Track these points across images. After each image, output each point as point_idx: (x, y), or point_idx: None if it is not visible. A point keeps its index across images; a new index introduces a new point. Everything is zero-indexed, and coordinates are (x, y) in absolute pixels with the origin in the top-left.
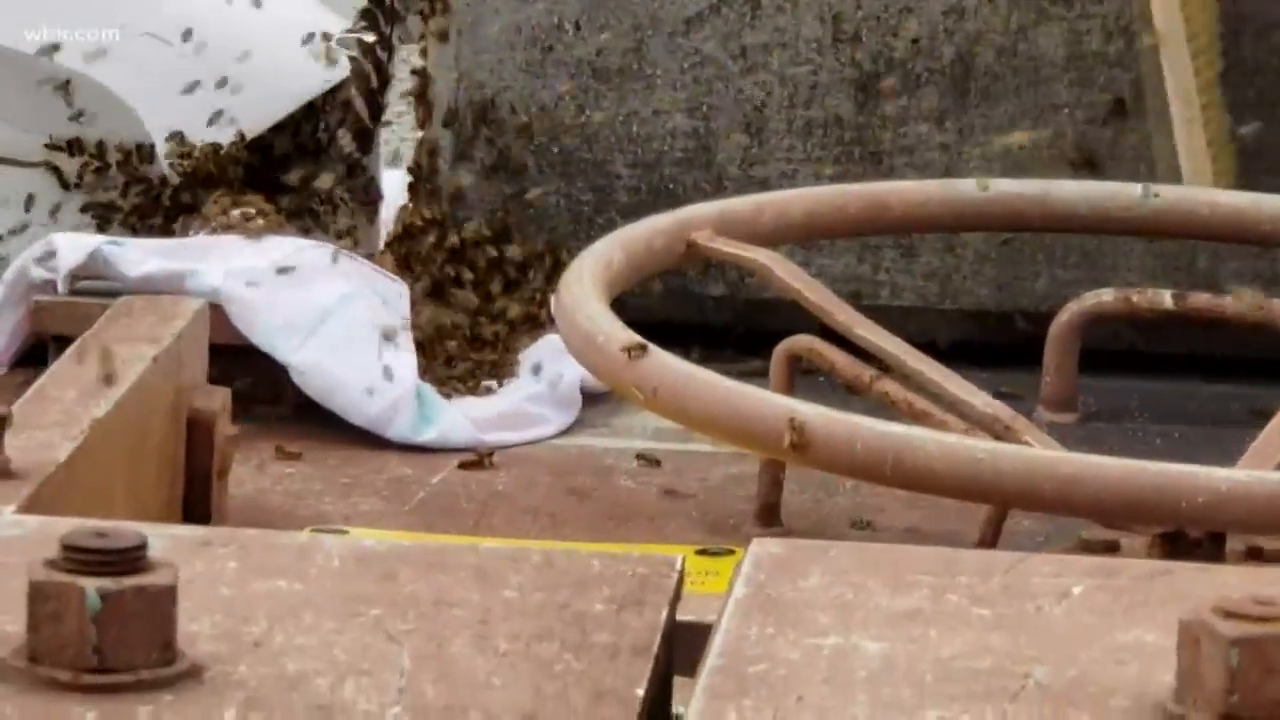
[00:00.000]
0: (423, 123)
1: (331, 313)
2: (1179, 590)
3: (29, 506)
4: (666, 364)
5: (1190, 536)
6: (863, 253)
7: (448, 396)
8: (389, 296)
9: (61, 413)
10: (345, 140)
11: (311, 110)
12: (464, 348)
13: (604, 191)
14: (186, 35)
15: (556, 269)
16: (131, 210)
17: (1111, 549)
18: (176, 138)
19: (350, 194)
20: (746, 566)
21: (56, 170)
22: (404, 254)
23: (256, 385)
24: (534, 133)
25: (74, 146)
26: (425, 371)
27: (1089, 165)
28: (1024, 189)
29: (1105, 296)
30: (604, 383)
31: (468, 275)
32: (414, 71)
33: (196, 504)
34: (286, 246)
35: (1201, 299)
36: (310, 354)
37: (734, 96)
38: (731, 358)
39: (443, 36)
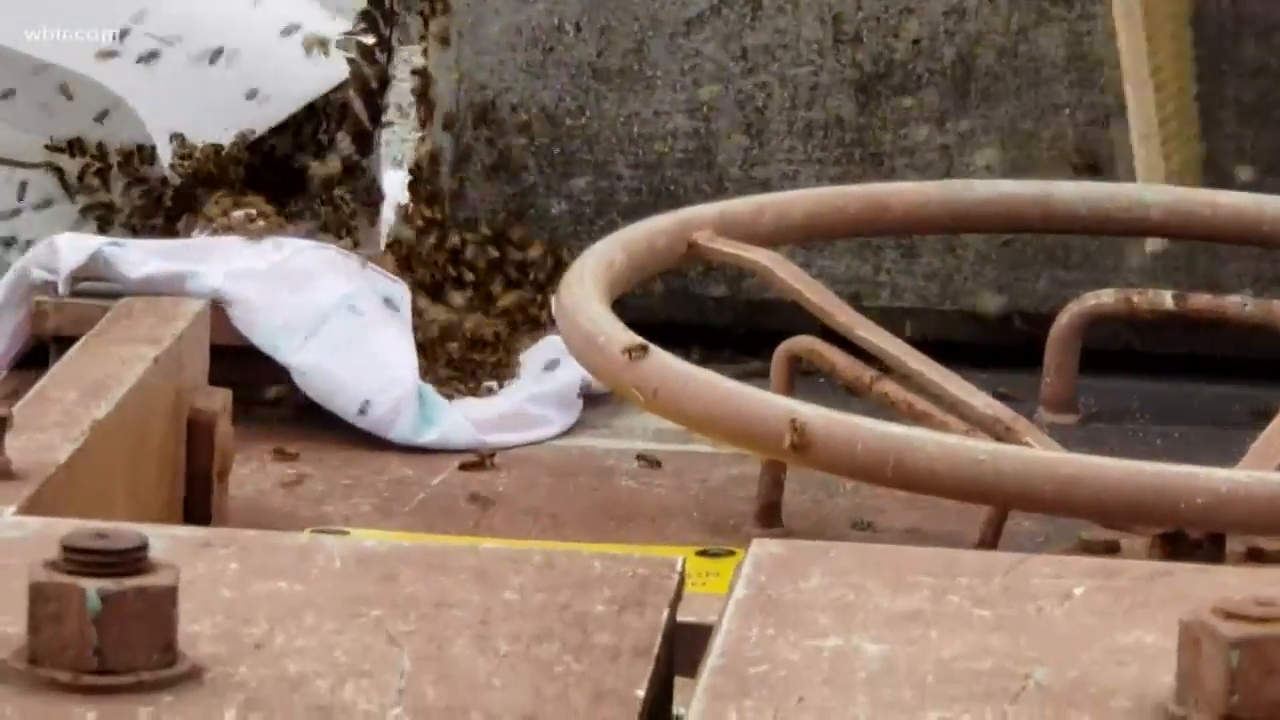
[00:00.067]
0: (423, 124)
1: (332, 314)
2: (1179, 591)
3: (29, 508)
4: (667, 365)
5: (1190, 537)
6: (863, 254)
7: (449, 397)
8: (390, 297)
9: (62, 414)
10: (344, 142)
11: (312, 111)
12: (465, 349)
13: (605, 192)
14: (215, 56)
15: (557, 270)
16: (132, 211)
17: (1112, 550)
18: (178, 139)
19: (351, 195)
20: (747, 567)
21: (58, 171)
22: (404, 255)
23: (258, 386)
24: (535, 134)
25: (75, 147)
26: (426, 372)
27: (1089, 167)
28: (1024, 190)
29: (1105, 297)
30: (605, 383)
31: (468, 276)
32: (414, 72)
33: (197, 505)
34: (287, 247)
35: (1202, 300)
36: (311, 355)
37: (735, 97)
38: (732, 358)
39: (444, 41)
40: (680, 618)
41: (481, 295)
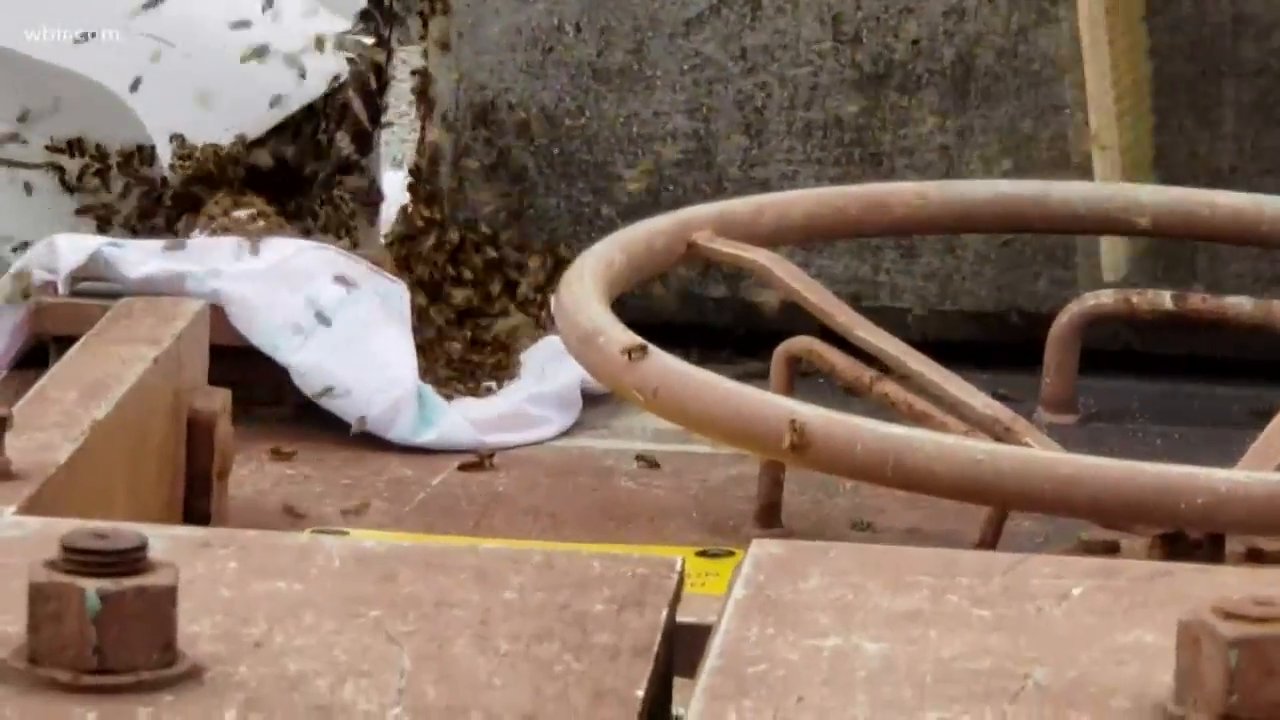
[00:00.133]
0: (423, 124)
1: (331, 314)
2: (1179, 591)
3: (29, 507)
4: (667, 365)
5: (1190, 538)
6: (863, 254)
7: (448, 398)
8: (389, 297)
9: (62, 414)
10: (344, 142)
11: (312, 112)
12: (464, 349)
13: (604, 192)
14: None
15: (557, 270)
16: (132, 212)
17: (1111, 550)
18: (177, 139)
19: (351, 195)
20: (746, 567)
21: (60, 171)
22: (404, 255)
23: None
24: (534, 134)
25: (74, 148)
26: (425, 373)
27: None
28: (1023, 190)
29: (1105, 297)
30: (604, 384)
31: (468, 276)
32: (414, 72)
33: (196, 505)
34: (287, 247)
35: (1201, 300)
36: (310, 355)
37: (734, 98)
38: (731, 359)
39: (444, 41)
40: (680, 618)
41: (481, 295)
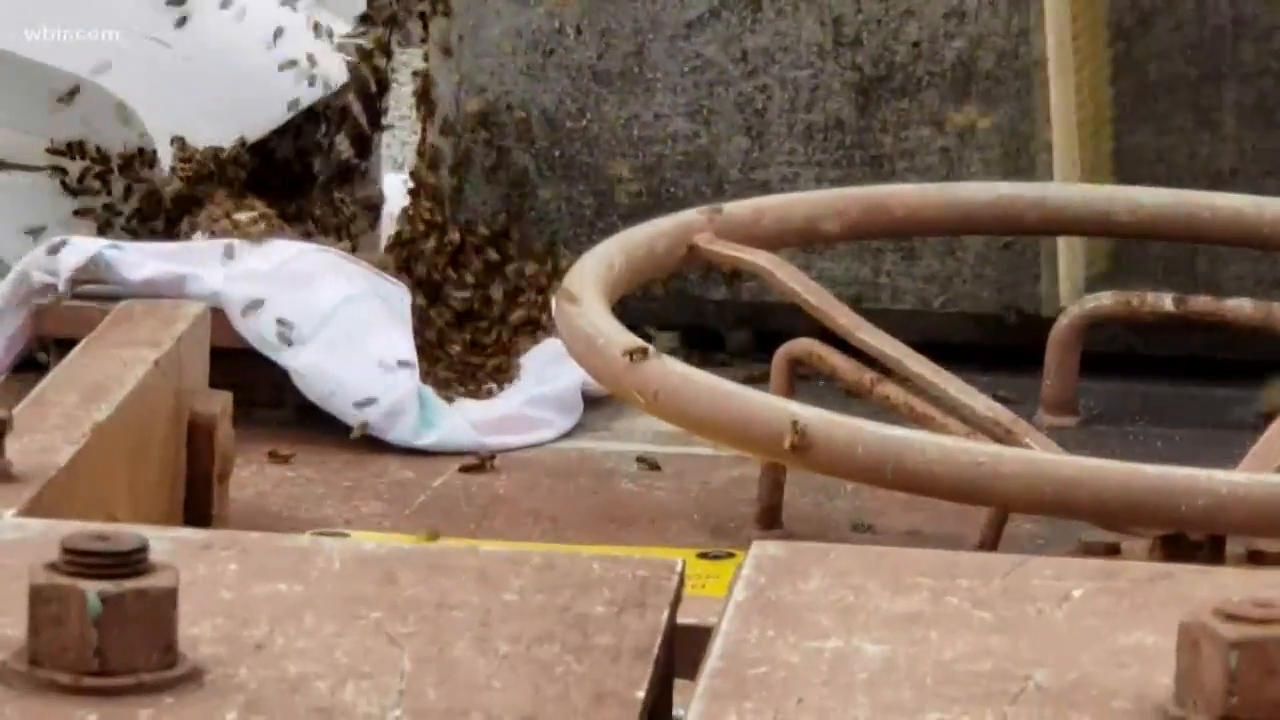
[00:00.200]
0: (424, 126)
1: (333, 316)
2: (1179, 593)
3: (30, 510)
4: (667, 367)
5: (1191, 539)
6: (863, 256)
7: (449, 400)
8: (390, 299)
9: (62, 416)
10: (343, 145)
11: (313, 114)
12: (465, 351)
13: (605, 195)
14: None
15: (557, 272)
16: (133, 214)
17: (1112, 552)
18: (178, 142)
19: (351, 197)
20: (747, 569)
21: (63, 173)
22: (405, 257)
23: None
24: (535, 136)
25: (75, 150)
26: (426, 375)
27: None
28: (1024, 192)
29: (1105, 299)
30: (605, 386)
31: (468, 278)
32: (415, 73)
33: (197, 507)
34: (288, 250)
35: (1202, 302)
36: (311, 357)
37: (734, 100)
38: (732, 361)
39: (444, 43)
40: (680, 619)
41: (481, 298)
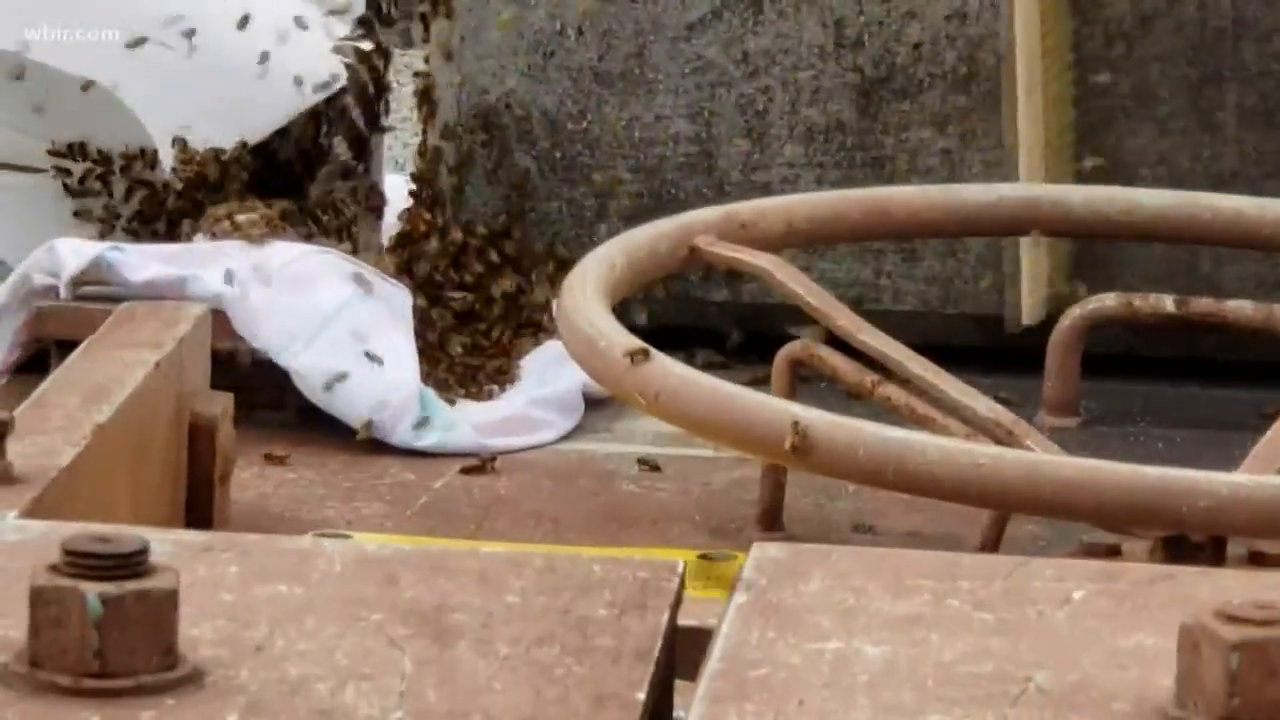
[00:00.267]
0: (425, 128)
1: (334, 318)
2: (1180, 594)
3: (31, 511)
4: (668, 369)
5: (1192, 541)
6: (864, 257)
7: (450, 401)
8: (393, 301)
9: (64, 418)
10: (341, 148)
11: (314, 116)
12: (466, 352)
13: (606, 196)
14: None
15: (559, 274)
16: (134, 215)
17: (1113, 553)
18: (179, 143)
19: (352, 199)
20: (748, 571)
21: (67, 174)
22: (406, 258)
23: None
24: (536, 137)
25: (76, 151)
26: (427, 376)
27: (1089, 169)
28: (1024, 193)
29: (1107, 301)
30: (606, 387)
31: (469, 280)
32: (417, 74)
33: (198, 509)
34: (289, 251)
35: (1203, 303)
36: (312, 359)
37: (736, 101)
38: (733, 363)
39: (445, 45)
40: (681, 621)
41: (482, 299)
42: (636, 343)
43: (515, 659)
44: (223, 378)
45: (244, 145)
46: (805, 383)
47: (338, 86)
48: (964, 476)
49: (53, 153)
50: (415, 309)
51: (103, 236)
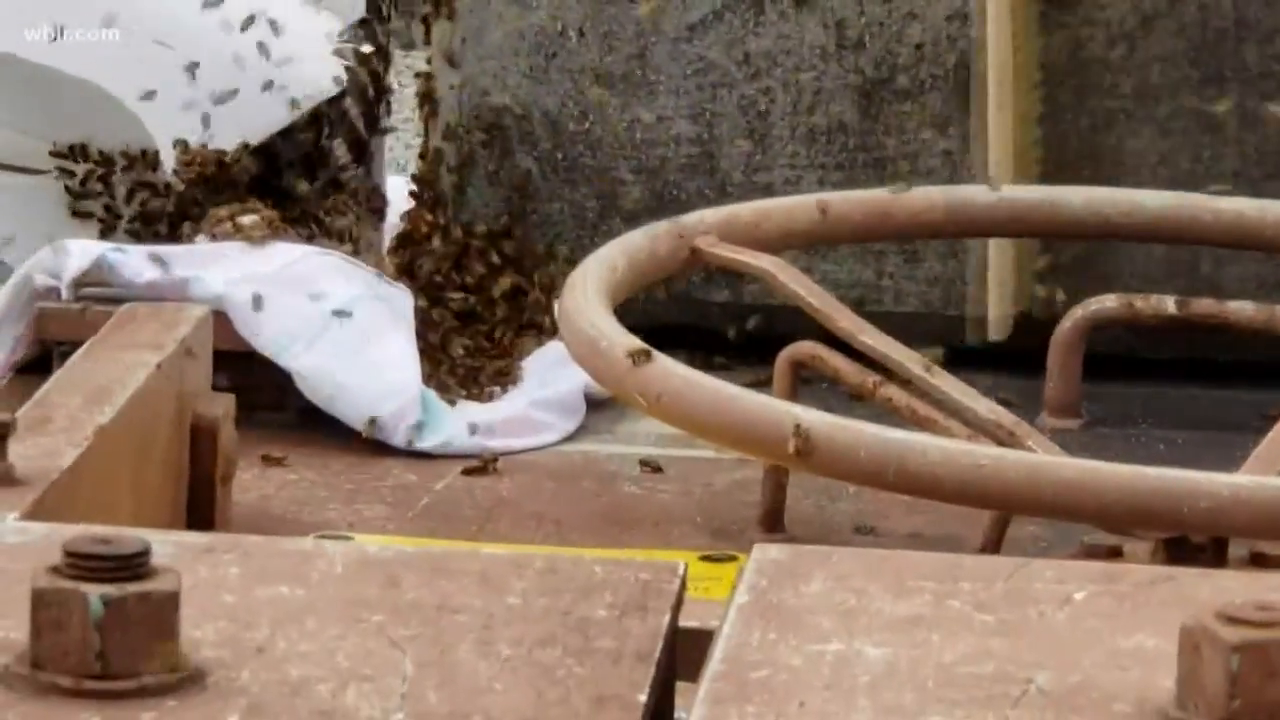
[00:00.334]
0: (426, 129)
1: (335, 319)
2: (1181, 595)
3: (33, 513)
4: (670, 370)
5: (1193, 542)
6: (866, 258)
7: (451, 403)
8: (394, 302)
9: (66, 419)
10: (340, 150)
11: (315, 118)
12: (467, 354)
13: (607, 198)
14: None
15: (560, 275)
16: (135, 217)
17: (1114, 554)
18: (180, 144)
19: (354, 200)
20: (749, 572)
21: (70, 176)
22: (407, 259)
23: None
24: (537, 139)
25: (78, 153)
26: (429, 378)
27: (1091, 171)
28: (1027, 195)
29: (1108, 302)
30: (607, 389)
31: (470, 281)
32: (418, 75)
33: (200, 510)
34: (291, 253)
35: (1204, 304)
36: (314, 360)
37: (737, 103)
38: (735, 364)
39: (448, 52)
40: (682, 622)
41: (484, 301)
42: (638, 344)
43: (516, 660)
44: (224, 379)
45: (245, 147)
46: (807, 384)
47: (339, 88)
48: (965, 478)
49: (55, 154)
50: (416, 310)
51: (104, 238)
